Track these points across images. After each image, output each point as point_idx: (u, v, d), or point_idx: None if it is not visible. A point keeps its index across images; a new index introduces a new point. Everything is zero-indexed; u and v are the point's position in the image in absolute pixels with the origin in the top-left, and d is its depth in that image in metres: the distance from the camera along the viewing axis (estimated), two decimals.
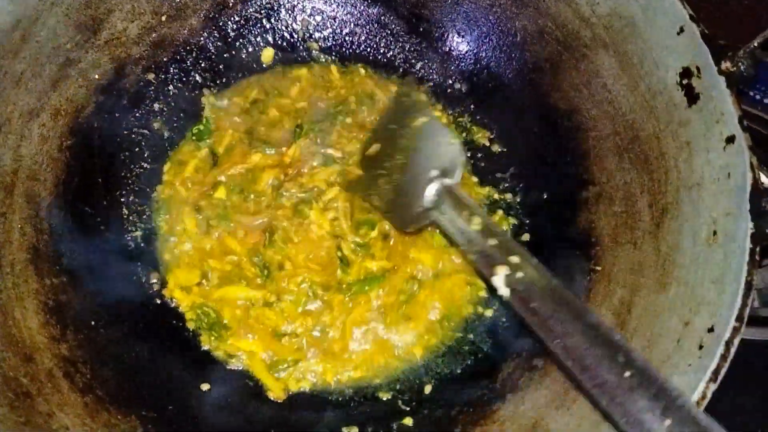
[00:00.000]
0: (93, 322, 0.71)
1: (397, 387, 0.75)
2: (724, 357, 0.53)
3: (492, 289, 0.80)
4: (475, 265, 0.71)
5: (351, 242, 0.81)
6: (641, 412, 0.46)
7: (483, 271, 0.62)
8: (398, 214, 0.76)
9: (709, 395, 0.52)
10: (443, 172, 0.70)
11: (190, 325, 0.77)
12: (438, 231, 0.82)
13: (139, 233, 0.82)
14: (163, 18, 0.87)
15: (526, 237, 0.85)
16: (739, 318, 0.55)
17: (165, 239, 0.83)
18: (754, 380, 0.92)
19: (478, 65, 0.93)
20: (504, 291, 0.58)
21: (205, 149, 0.88)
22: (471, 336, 0.79)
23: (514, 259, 0.59)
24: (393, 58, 0.96)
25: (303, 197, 0.83)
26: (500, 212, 0.87)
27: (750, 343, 0.94)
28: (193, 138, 0.89)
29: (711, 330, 0.56)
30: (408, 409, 0.72)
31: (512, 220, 0.87)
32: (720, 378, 0.53)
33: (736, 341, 0.54)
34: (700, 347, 0.56)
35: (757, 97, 1.13)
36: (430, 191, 0.69)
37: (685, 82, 0.70)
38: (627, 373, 0.48)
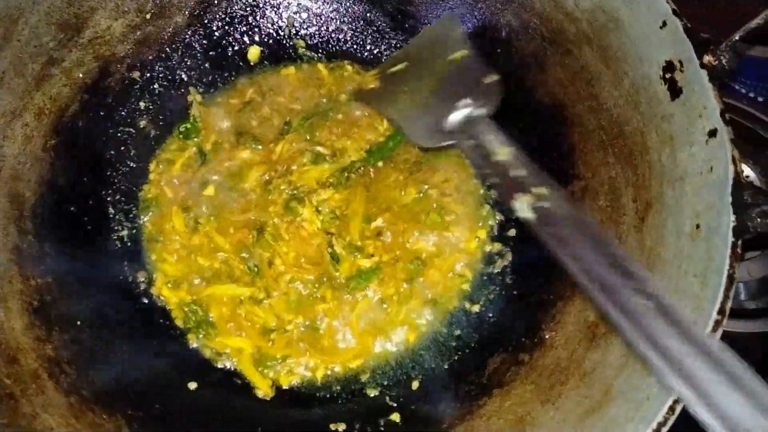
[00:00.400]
0: (79, 322, 0.71)
1: (385, 383, 0.76)
2: None
3: (479, 284, 0.81)
4: (498, 190, 0.72)
5: (344, 242, 0.81)
6: (665, 337, 0.48)
7: (504, 197, 0.65)
8: (418, 129, 0.75)
9: None
10: (476, 102, 0.71)
11: (178, 323, 0.77)
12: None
13: (125, 233, 0.82)
14: (148, 16, 0.86)
15: (512, 232, 0.86)
16: (721, 311, 0.55)
17: (152, 238, 0.83)
18: None
19: None
20: (527, 214, 0.60)
21: (193, 147, 0.88)
22: (458, 332, 0.79)
23: (542, 190, 0.61)
24: (379, 55, 0.96)
25: (294, 194, 0.83)
26: (487, 207, 0.87)
27: (737, 336, 0.95)
28: (180, 136, 0.89)
29: (693, 324, 0.57)
30: (395, 405, 0.73)
31: (498, 216, 0.87)
32: None
33: (718, 334, 0.54)
34: None
35: (742, 90, 1.14)
36: (458, 116, 0.70)
37: (668, 76, 0.70)
38: (649, 302, 0.51)
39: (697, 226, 0.63)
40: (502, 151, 0.66)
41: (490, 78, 0.75)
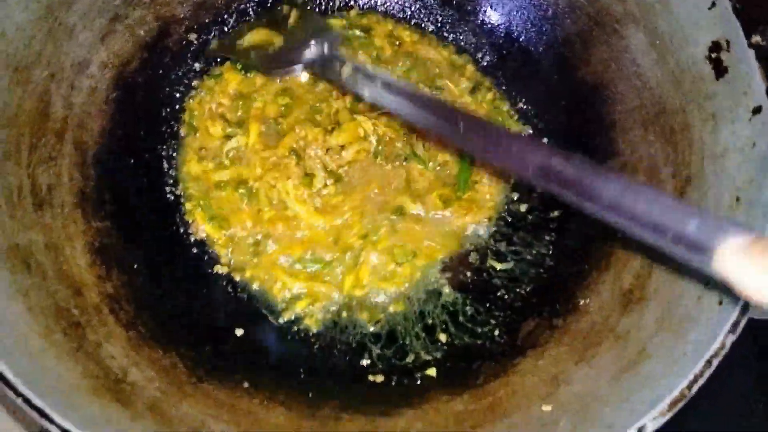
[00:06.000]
0: (135, 266, 0.74)
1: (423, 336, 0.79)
2: (743, 311, 0.56)
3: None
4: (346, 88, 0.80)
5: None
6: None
7: (354, 92, 0.77)
8: (270, 65, 0.87)
9: (728, 346, 0.55)
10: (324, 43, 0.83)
11: (224, 270, 0.80)
12: None
13: (178, 188, 0.85)
14: None
15: (556, 213, 0.87)
16: None
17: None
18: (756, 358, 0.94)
19: (509, 38, 0.95)
20: (368, 98, 0.74)
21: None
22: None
23: (378, 83, 0.72)
24: (424, 27, 0.98)
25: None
26: None
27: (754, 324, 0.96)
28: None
29: None
30: (430, 359, 0.75)
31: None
32: (739, 330, 0.55)
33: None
34: (720, 303, 0.59)
35: None
36: (309, 53, 0.83)
37: (713, 56, 0.72)
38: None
39: (737, 199, 0.65)
40: (346, 67, 0.77)
41: (335, 33, 0.87)
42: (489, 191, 0.89)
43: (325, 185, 0.84)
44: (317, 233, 0.83)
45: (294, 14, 0.89)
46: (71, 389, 0.56)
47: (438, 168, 0.89)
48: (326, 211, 0.83)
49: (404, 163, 0.87)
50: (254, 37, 0.89)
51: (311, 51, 0.83)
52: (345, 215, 0.84)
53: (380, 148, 0.87)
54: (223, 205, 0.83)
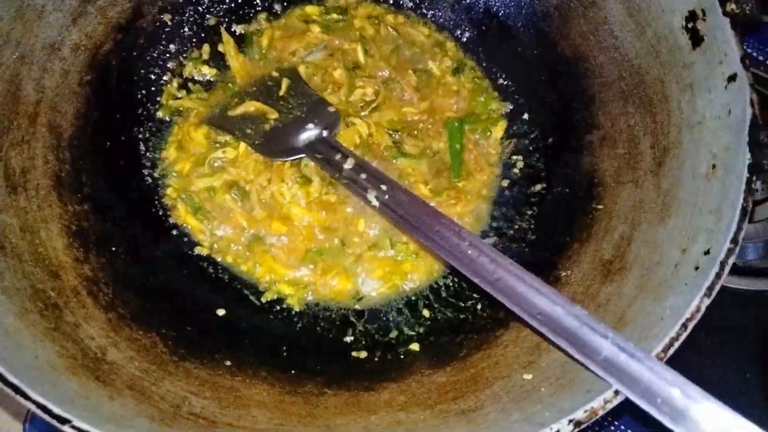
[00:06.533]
0: (113, 248, 0.74)
1: (406, 312, 0.79)
2: (718, 275, 0.56)
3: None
4: (349, 189, 0.80)
5: None
6: None
7: (356, 193, 0.78)
8: (273, 148, 0.84)
9: (703, 309, 0.55)
10: (321, 126, 0.84)
11: (205, 252, 0.80)
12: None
13: (156, 171, 0.84)
14: None
15: (537, 187, 0.87)
16: (734, 240, 0.58)
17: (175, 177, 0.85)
18: (749, 329, 0.96)
19: (488, 14, 0.95)
20: (375, 203, 0.74)
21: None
22: None
23: (383, 186, 0.74)
24: (402, 4, 0.97)
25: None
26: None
27: (743, 293, 0.98)
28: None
29: (707, 252, 0.59)
30: (413, 334, 0.76)
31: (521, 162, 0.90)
32: (714, 294, 0.56)
33: (731, 261, 0.57)
34: (696, 268, 0.59)
35: (760, 58, 1.15)
36: (308, 136, 0.83)
37: (690, 25, 0.72)
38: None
39: (713, 167, 0.66)
40: (348, 161, 0.78)
41: (331, 108, 0.86)
42: (479, 180, 0.89)
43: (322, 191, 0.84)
44: (312, 232, 0.83)
45: (285, 83, 0.87)
46: (48, 367, 0.55)
47: (434, 156, 0.89)
48: (322, 209, 0.83)
49: (396, 162, 0.86)
50: (247, 107, 0.86)
51: (309, 134, 0.83)
52: (342, 213, 0.83)
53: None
54: (209, 204, 0.83)
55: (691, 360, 0.63)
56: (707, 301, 0.55)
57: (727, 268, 0.56)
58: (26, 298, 0.60)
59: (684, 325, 0.54)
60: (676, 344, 0.53)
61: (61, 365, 0.56)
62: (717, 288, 0.55)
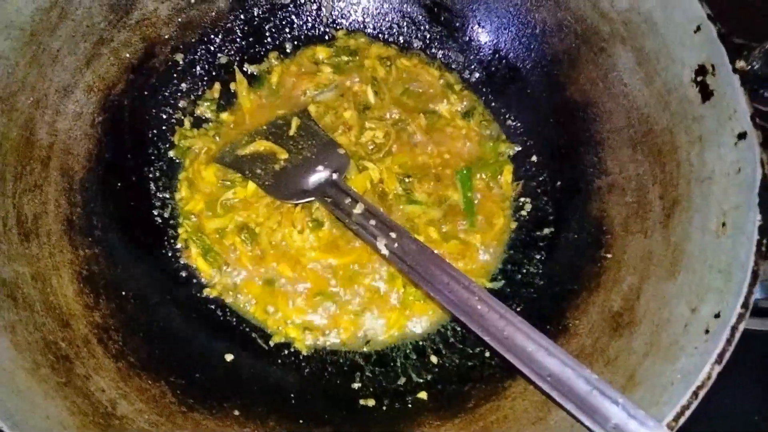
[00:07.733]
0: (123, 292, 0.74)
1: (413, 357, 0.79)
2: (729, 341, 0.57)
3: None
4: (358, 236, 0.80)
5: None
6: None
7: (365, 240, 0.77)
8: (282, 190, 0.84)
9: (714, 376, 0.55)
10: (331, 168, 0.84)
11: (213, 293, 0.80)
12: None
13: (166, 211, 0.85)
14: (192, 0, 0.89)
15: (545, 231, 0.87)
16: (745, 305, 0.58)
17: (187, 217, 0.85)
18: (755, 369, 0.95)
19: (497, 55, 0.95)
20: (384, 251, 0.74)
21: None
22: None
23: (392, 234, 0.74)
24: (412, 45, 0.98)
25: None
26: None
27: (753, 333, 0.97)
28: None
29: (717, 316, 0.59)
30: (421, 381, 0.76)
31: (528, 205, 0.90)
32: (725, 361, 0.56)
33: (741, 327, 0.57)
34: (707, 332, 0.59)
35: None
36: (318, 178, 0.83)
37: (699, 79, 0.73)
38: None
39: (723, 224, 0.66)
40: (358, 206, 0.77)
41: (341, 150, 0.86)
42: (492, 224, 0.89)
43: (332, 233, 0.84)
44: (321, 274, 0.83)
45: (294, 123, 0.88)
46: (60, 427, 0.55)
47: (445, 203, 0.89)
48: (332, 251, 0.83)
49: (402, 208, 0.87)
50: (257, 147, 0.87)
51: (319, 177, 0.83)
52: (351, 255, 0.84)
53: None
54: (219, 246, 0.83)
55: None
56: (718, 368, 0.55)
57: (738, 334, 0.56)
58: (38, 351, 0.61)
59: (695, 393, 0.54)
60: (687, 413, 0.54)
61: (72, 424, 0.56)
62: (728, 355, 0.55)
